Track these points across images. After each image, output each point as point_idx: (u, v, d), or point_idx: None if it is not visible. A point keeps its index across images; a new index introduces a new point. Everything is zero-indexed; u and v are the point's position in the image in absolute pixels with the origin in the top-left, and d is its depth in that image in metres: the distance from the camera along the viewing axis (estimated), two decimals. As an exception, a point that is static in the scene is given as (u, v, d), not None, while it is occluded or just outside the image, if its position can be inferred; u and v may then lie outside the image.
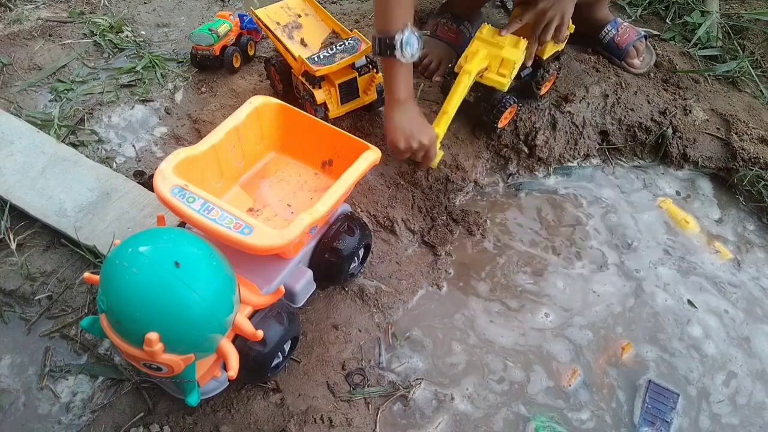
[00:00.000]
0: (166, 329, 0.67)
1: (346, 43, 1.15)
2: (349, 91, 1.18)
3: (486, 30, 1.19)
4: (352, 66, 1.17)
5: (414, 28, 1.05)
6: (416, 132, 1.08)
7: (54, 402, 0.90)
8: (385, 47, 1.05)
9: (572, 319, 1.08)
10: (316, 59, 1.12)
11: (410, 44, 1.04)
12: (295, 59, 1.16)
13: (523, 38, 1.18)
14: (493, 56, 1.16)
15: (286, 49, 1.18)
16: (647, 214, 1.27)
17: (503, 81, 1.16)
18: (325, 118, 1.16)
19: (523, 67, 1.23)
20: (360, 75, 1.17)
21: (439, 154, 1.14)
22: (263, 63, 1.34)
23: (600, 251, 1.19)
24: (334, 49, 1.14)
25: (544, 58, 1.24)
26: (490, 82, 1.18)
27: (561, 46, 1.27)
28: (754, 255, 1.22)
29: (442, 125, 1.15)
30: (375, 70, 1.20)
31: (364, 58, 1.17)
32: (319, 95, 1.15)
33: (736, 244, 1.24)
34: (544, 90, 1.30)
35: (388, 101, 1.10)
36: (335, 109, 1.17)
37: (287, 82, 1.26)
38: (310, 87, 1.15)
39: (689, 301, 1.13)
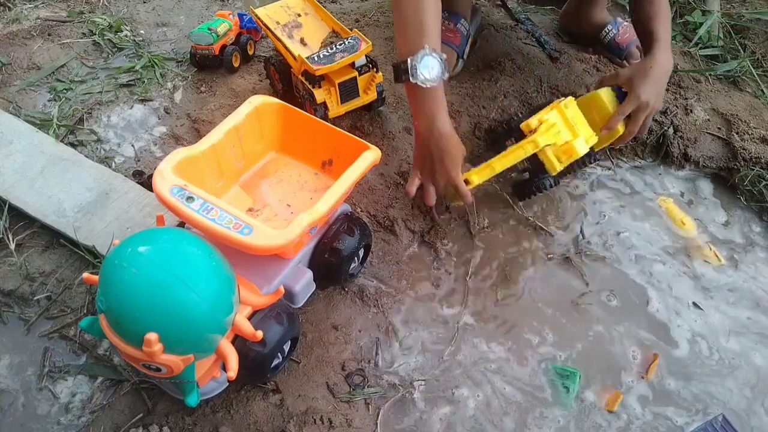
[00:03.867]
0: (166, 329, 0.67)
1: (346, 43, 1.15)
2: (348, 90, 1.17)
3: (572, 107, 1.07)
4: (352, 65, 1.17)
5: (433, 49, 0.92)
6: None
7: (53, 402, 0.90)
8: (399, 72, 0.93)
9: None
10: (315, 58, 1.12)
11: (427, 67, 0.90)
12: (294, 58, 1.16)
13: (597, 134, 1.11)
14: (564, 138, 1.06)
15: (286, 48, 1.18)
16: (647, 215, 1.27)
17: (556, 167, 1.07)
18: (325, 118, 1.15)
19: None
20: (360, 74, 1.17)
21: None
22: (263, 62, 1.34)
23: (602, 251, 1.19)
24: (334, 48, 1.14)
25: (597, 149, 1.15)
26: (547, 160, 1.07)
27: (617, 137, 1.15)
28: (755, 255, 1.22)
29: (481, 176, 1.03)
30: (375, 70, 1.19)
31: (364, 57, 1.17)
32: (319, 95, 1.14)
33: (742, 247, 1.23)
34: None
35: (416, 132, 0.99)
36: (335, 109, 1.17)
37: (287, 82, 1.26)
38: (310, 86, 1.15)
39: (694, 304, 1.12)
